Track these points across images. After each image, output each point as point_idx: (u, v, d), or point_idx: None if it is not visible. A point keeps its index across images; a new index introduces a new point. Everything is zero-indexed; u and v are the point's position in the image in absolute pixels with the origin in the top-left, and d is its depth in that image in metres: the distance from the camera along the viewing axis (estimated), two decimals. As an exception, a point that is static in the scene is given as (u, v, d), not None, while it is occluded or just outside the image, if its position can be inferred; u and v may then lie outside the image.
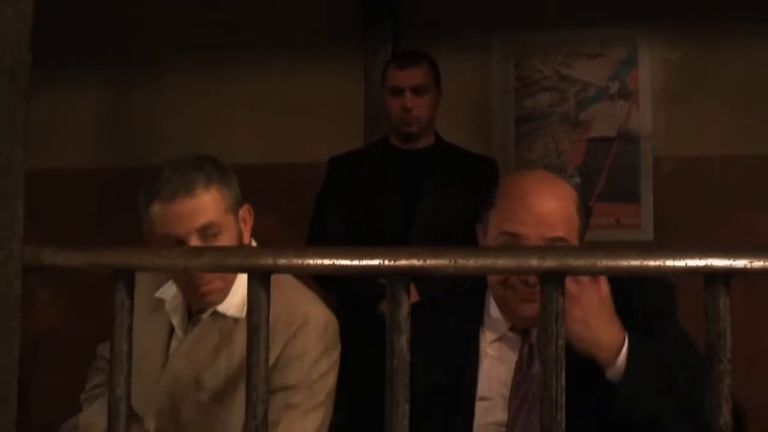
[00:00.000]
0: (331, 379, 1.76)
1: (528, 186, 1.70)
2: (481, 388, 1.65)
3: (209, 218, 1.62)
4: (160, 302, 1.80)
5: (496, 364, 1.68)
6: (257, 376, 1.05)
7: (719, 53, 3.25)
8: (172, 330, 1.81)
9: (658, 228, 3.19)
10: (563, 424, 0.99)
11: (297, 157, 3.48)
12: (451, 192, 2.73)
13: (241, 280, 1.69)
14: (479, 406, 1.64)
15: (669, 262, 0.98)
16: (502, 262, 1.00)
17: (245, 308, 1.06)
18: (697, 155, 3.23)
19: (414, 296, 2.48)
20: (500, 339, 1.71)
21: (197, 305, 1.71)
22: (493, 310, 1.72)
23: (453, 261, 1.01)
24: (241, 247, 1.04)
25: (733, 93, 3.23)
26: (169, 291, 1.79)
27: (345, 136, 3.31)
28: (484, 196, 1.75)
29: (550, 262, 0.99)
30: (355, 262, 1.03)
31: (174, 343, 1.79)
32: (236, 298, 1.71)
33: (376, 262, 1.02)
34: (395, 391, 1.02)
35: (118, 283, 1.10)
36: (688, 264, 0.97)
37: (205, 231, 1.61)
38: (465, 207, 2.68)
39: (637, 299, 1.67)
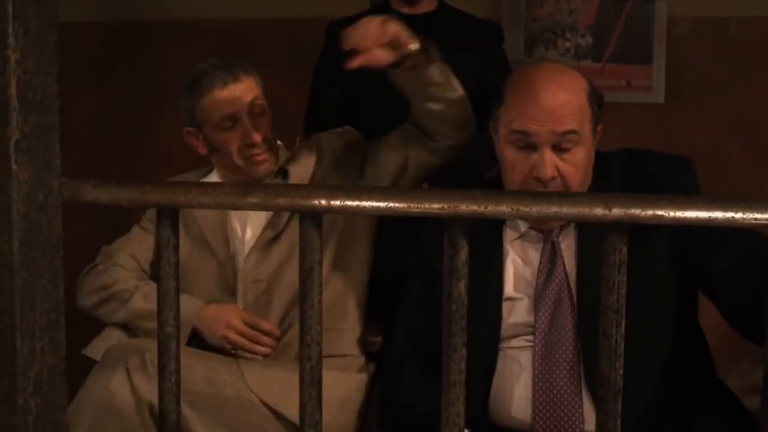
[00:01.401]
0: None
1: (537, 80, 1.63)
2: (507, 288, 1.66)
3: (255, 94, 1.92)
4: None
5: (519, 264, 1.68)
6: (311, 318, 1.04)
7: None
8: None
9: (670, 91, 3.12)
10: (621, 371, 0.99)
11: (302, 12, 3.33)
12: (457, 58, 2.60)
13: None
14: (506, 306, 1.64)
15: (738, 215, 0.95)
16: (566, 210, 0.97)
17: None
18: (714, 15, 3.11)
19: None
20: (521, 237, 1.70)
21: (257, 175, 1.98)
22: None
23: (514, 208, 0.98)
24: (291, 186, 0.99)
25: (755, -52, 3.09)
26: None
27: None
28: (496, 93, 1.69)
29: (616, 212, 0.96)
30: (413, 205, 1.00)
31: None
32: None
33: (435, 206, 0.99)
34: (453, 336, 1.02)
35: (163, 220, 1.07)
36: (757, 218, 0.95)
37: (253, 108, 1.90)
38: (471, 73, 2.59)
39: (658, 178, 1.65)
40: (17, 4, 0.97)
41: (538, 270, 1.66)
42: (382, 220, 1.99)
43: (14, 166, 0.98)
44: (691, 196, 0.98)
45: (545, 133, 1.58)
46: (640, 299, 1.47)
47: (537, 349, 1.60)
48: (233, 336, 1.87)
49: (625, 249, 0.97)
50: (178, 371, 1.07)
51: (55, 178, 1.04)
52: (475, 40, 2.65)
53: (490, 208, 0.99)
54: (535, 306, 1.62)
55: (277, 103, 2.10)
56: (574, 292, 1.62)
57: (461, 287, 1.01)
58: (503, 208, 0.98)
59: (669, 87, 3.13)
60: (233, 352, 1.88)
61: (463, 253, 1.00)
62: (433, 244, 1.72)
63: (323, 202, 1.02)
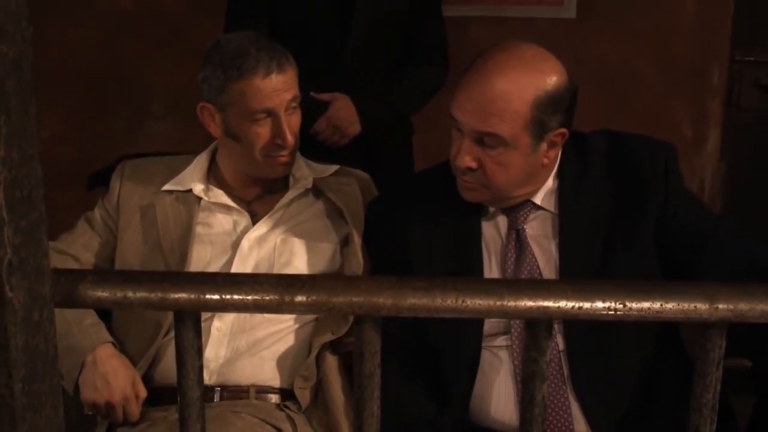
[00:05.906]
0: None
1: (481, 64, 1.47)
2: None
3: (295, 91, 1.73)
4: (183, 194, 1.79)
5: (493, 253, 1.59)
6: (371, 428, 0.91)
7: None
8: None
9: (582, 5, 3.01)
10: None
11: None
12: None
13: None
14: None
15: None
16: (670, 306, 0.87)
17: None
18: None
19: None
20: (489, 219, 1.61)
21: (271, 176, 1.79)
22: None
23: (612, 308, 0.86)
24: (348, 280, 0.79)
25: None
26: (187, 182, 1.79)
27: None
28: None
29: (722, 309, 0.86)
30: (498, 303, 0.87)
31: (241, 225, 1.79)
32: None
33: (527, 304, 0.86)
34: (533, 440, 0.91)
35: (185, 321, 0.88)
36: None
37: (290, 103, 1.71)
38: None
39: (644, 164, 1.57)
40: (-5, 81, 0.73)
41: (506, 263, 1.56)
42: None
43: (9, 294, 0.77)
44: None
45: (467, 125, 1.47)
46: None
47: (514, 347, 1.52)
48: (119, 411, 1.58)
49: (724, 345, 0.88)
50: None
51: (47, 281, 0.83)
52: None
53: (584, 306, 0.86)
54: None
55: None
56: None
57: (544, 390, 0.89)
58: (598, 304, 0.86)
59: (581, 1, 3.02)
60: (90, 413, 1.61)
61: (548, 355, 0.88)
62: (411, 233, 1.59)
63: (389, 302, 0.86)
